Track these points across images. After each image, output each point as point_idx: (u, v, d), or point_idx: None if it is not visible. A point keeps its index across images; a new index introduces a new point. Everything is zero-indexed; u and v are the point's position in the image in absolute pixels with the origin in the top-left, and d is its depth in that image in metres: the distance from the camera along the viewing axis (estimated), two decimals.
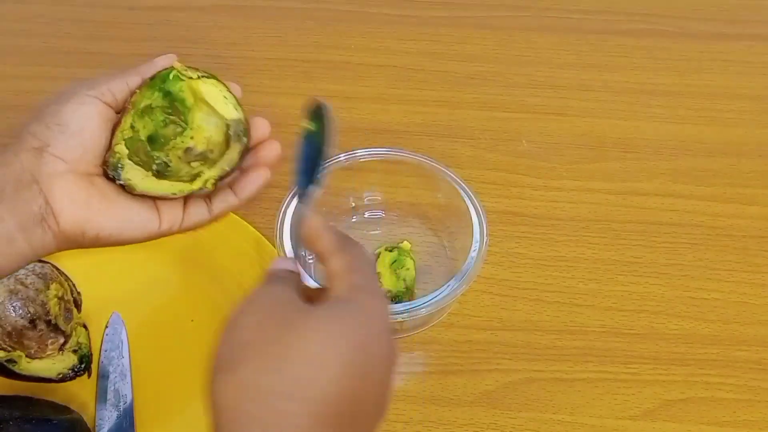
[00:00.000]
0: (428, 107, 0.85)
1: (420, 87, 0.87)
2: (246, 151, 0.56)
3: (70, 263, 0.67)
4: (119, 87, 0.54)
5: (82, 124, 0.51)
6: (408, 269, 0.70)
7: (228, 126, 0.56)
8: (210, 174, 0.55)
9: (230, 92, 0.57)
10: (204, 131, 0.56)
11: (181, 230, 0.55)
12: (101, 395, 0.64)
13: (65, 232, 0.50)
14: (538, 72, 0.88)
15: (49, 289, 0.65)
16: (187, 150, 0.56)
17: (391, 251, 0.71)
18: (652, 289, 0.72)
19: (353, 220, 0.76)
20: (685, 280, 0.72)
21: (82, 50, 0.90)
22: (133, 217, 0.53)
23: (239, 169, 0.57)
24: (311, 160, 0.52)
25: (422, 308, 0.63)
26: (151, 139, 0.55)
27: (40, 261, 0.65)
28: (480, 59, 0.89)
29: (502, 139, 0.82)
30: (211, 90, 0.56)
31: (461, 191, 0.69)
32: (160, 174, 0.54)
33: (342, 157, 0.72)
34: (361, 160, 0.72)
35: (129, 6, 0.94)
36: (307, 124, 0.53)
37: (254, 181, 0.57)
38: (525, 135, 0.82)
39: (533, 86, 0.87)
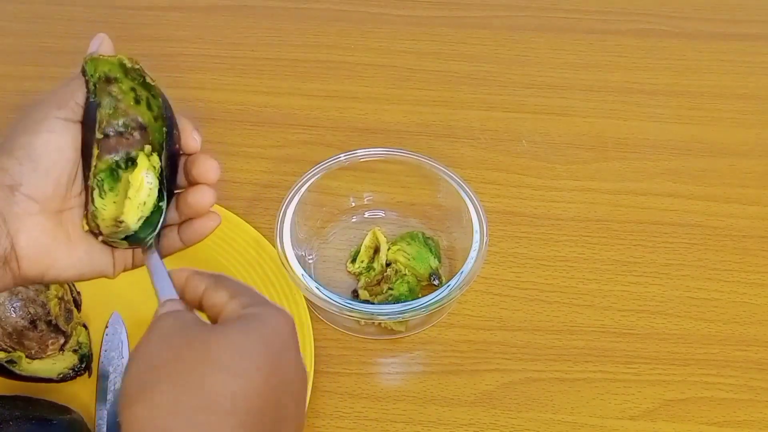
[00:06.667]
0: (428, 107, 0.85)
1: (420, 87, 0.87)
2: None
3: None
4: (84, 97, 0.49)
5: (54, 158, 0.47)
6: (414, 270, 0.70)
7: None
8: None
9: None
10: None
11: (133, 268, 0.53)
12: (101, 395, 0.64)
13: (25, 276, 0.47)
14: (538, 72, 0.88)
15: (49, 290, 0.65)
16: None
17: (395, 244, 0.71)
18: (652, 289, 0.72)
19: (353, 220, 0.76)
20: (684, 280, 0.72)
21: (82, 50, 0.89)
22: (94, 261, 0.50)
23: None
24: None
25: (422, 308, 0.63)
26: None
27: None
28: (480, 59, 0.89)
29: (502, 139, 0.82)
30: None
31: (461, 191, 0.69)
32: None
33: (342, 157, 0.72)
34: (361, 160, 0.72)
35: (128, 6, 0.94)
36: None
37: (202, 229, 0.52)
38: (525, 135, 0.82)
39: (533, 86, 0.87)
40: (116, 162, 0.51)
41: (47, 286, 0.65)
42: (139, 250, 0.51)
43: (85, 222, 0.49)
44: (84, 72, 0.49)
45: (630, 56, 0.90)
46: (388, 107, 0.85)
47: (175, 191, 0.52)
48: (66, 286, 0.66)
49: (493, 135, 0.83)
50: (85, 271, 0.50)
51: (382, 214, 0.76)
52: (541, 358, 0.68)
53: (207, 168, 0.51)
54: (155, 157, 0.50)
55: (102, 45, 0.51)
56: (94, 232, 0.50)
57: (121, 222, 0.50)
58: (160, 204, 0.51)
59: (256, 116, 0.84)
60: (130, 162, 0.51)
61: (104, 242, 0.50)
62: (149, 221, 0.51)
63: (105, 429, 0.62)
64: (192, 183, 0.51)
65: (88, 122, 0.49)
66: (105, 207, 0.50)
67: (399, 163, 0.72)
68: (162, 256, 0.50)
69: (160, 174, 0.50)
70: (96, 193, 0.50)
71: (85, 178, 0.49)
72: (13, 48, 0.91)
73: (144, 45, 0.90)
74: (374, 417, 0.65)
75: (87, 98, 0.49)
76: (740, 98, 0.86)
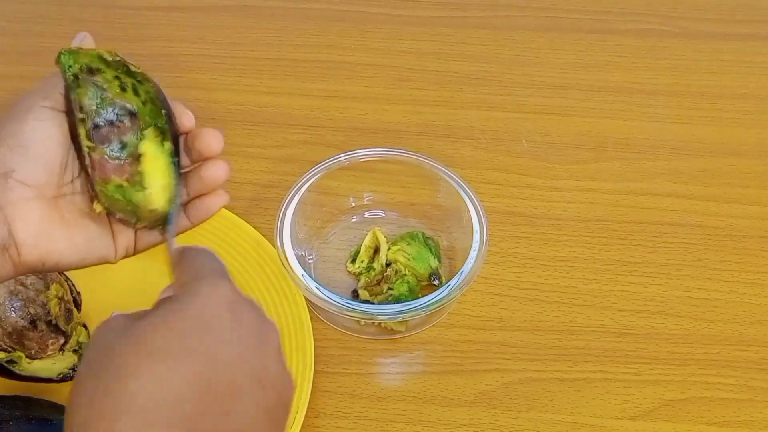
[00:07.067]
0: (428, 107, 0.85)
1: (420, 87, 0.87)
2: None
3: None
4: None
5: (43, 144, 0.47)
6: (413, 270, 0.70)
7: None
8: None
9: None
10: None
11: (135, 254, 0.53)
12: None
13: (26, 263, 0.47)
14: (538, 72, 0.88)
15: (49, 290, 0.65)
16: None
17: (396, 244, 0.71)
18: (652, 289, 0.72)
19: (353, 220, 0.76)
20: (684, 280, 0.72)
21: None
22: (94, 245, 0.50)
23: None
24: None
25: (422, 308, 0.63)
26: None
27: None
28: (480, 59, 0.89)
29: (502, 139, 0.82)
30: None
31: (461, 191, 0.69)
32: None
33: (342, 157, 0.72)
34: (361, 160, 0.72)
35: (128, 6, 0.94)
36: None
37: (210, 206, 0.52)
38: (525, 135, 0.82)
39: (533, 86, 0.87)
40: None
41: (47, 286, 0.65)
42: (140, 234, 0.52)
43: (97, 203, 0.49)
44: (58, 62, 0.49)
45: (630, 56, 0.90)
46: (388, 107, 0.85)
47: (181, 171, 0.51)
48: (66, 286, 0.67)
49: (493, 135, 0.83)
50: (85, 256, 0.50)
51: (382, 214, 0.76)
52: (541, 358, 0.68)
53: (210, 139, 0.50)
54: (168, 142, 0.50)
55: (84, 42, 0.51)
56: (110, 211, 0.49)
57: (152, 210, 0.50)
58: (177, 183, 0.50)
59: (256, 116, 0.84)
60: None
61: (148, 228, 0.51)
62: (173, 200, 0.51)
63: None
64: (196, 158, 0.51)
65: (70, 111, 0.49)
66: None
67: (399, 163, 0.72)
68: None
69: (172, 154, 0.50)
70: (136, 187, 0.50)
71: (80, 161, 0.49)
72: (13, 48, 0.91)
73: (144, 45, 0.90)
74: (374, 417, 0.65)
75: (66, 88, 0.49)
76: (740, 98, 0.86)
